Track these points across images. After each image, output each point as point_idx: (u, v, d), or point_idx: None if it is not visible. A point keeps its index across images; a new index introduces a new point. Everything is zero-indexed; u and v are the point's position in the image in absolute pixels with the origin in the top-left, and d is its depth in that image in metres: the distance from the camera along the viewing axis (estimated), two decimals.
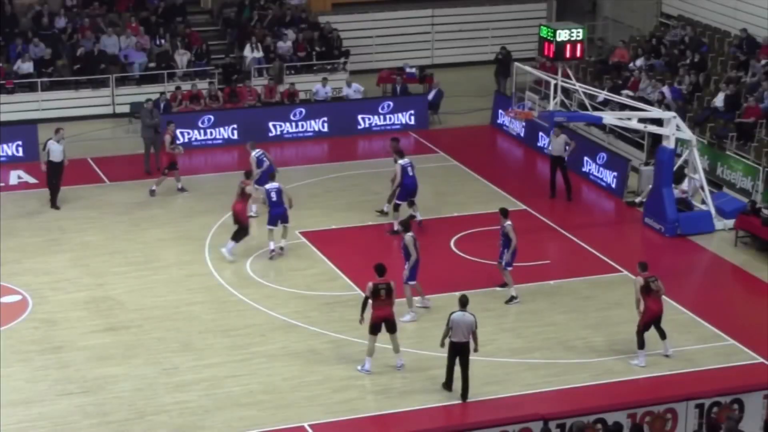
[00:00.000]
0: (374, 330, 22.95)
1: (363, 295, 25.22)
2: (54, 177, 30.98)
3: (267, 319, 25.14)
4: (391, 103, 37.65)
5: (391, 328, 23.05)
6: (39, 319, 25.33)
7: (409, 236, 25.26)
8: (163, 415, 21.77)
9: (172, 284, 27.03)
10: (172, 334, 24.73)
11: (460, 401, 22.29)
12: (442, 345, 22.38)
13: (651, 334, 23.65)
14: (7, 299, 26.17)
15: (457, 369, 22.35)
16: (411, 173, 29.68)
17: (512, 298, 26.34)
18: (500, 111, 37.19)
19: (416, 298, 25.66)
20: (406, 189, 29.48)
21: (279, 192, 28.11)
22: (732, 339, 24.65)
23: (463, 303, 22.18)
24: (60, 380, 22.87)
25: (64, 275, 27.38)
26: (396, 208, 29.62)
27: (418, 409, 22.10)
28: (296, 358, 23.79)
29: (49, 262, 28.04)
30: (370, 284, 22.84)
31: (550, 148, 32.36)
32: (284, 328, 24.90)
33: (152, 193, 31.97)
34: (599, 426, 19.09)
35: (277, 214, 28.09)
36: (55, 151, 30.83)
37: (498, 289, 26.70)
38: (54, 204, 31.12)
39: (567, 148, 31.80)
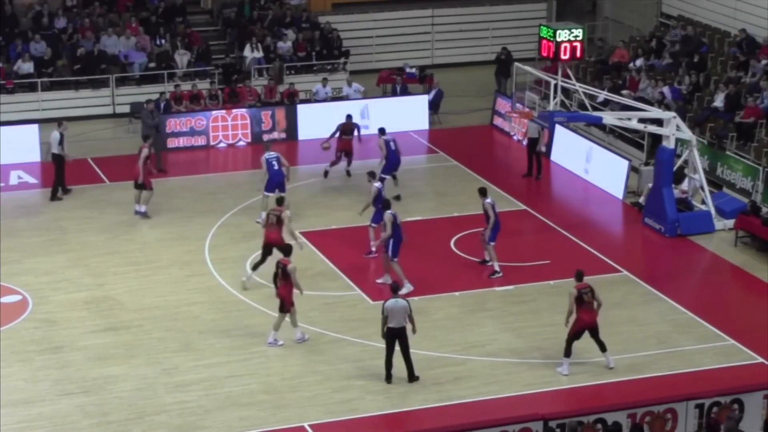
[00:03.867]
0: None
1: (362, 294, 25.29)
2: (60, 170, 31.60)
3: (267, 319, 25.09)
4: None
5: (282, 308, 24.08)
6: (39, 319, 25.32)
7: (388, 213, 26.01)
8: (163, 415, 21.75)
9: (172, 284, 27.02)
10: (172, 334, 24.72)
11: (408, 382, 22.62)
12: (383, 334, 22.51)
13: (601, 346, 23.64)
14: (7, 299, 26.15)
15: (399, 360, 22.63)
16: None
17: (494, 272, 27.02)
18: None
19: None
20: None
21: (278, 159, 29.59)
22: (732, 339, 24.61)
23: (395, 290, 22.73)
24: (60, 380, 22.86)
25: (64, 275, 27.37)
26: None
27: (418, 409, 22.08)
28: (296, 358, 23.78)
29: (49, 262, 28.02)
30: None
31: (525, 130, 34.48)
32: (284, 328, 24.87)
33: (143, 214, 30.83)
34: (599, 426, 19.08)
35: (277, 181, 29.48)
36: (54, 140, 31.43)
37: (497, 289, 26.70)
38: (55, 195, 31.65)
39: (540, 133, 33.53)
